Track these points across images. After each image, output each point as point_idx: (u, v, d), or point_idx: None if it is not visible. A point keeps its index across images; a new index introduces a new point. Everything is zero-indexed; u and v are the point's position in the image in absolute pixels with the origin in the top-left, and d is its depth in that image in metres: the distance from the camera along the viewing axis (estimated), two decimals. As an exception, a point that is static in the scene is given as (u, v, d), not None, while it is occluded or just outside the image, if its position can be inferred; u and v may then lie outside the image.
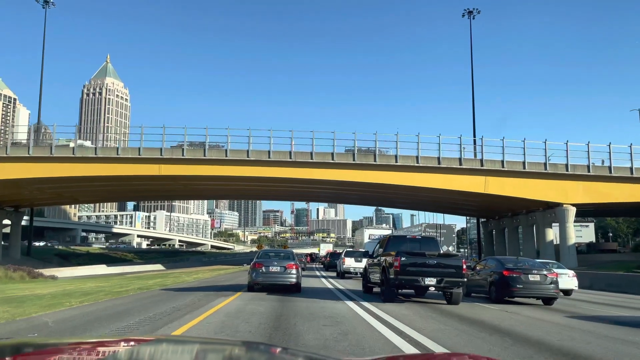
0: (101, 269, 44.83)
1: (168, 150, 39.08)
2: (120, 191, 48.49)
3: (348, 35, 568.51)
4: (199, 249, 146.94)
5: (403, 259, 13.97)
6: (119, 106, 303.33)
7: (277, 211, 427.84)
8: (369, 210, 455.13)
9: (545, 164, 39.27)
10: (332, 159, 39.09)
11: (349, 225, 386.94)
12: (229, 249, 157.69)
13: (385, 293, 14.52)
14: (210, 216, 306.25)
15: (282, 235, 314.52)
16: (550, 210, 41.59)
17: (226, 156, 38.86)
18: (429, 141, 40.35)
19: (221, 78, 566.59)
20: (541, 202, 40.88)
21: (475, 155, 40.19)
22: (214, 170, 39.49)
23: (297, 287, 17.24)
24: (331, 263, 42.20)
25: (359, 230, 61.35)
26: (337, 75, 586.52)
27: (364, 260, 22.60)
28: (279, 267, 17.17)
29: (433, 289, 14.29)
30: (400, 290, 15.33)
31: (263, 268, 17.05)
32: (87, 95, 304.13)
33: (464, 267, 14.42)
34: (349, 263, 30.66)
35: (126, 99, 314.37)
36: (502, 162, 39.25)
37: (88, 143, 43.76)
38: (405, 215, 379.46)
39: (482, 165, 39.20)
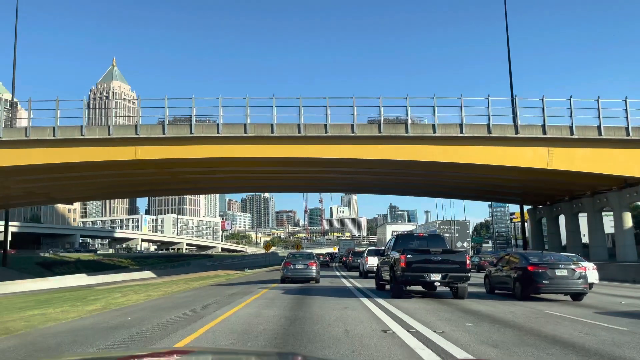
0: (75, 280, 37.19)
1: (145, 127, 31.02)
2: (96, 185, 40.59)
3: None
4: (209, 252, 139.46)
5: (409, 256, 14.63)
6: (126, 109, 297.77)
7: (290, 211, 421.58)
8: (382, 208, 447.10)
9: (627, 128, 30.50)
10: (352, 132, 30.76)
11: (364, 224, 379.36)
12: (240, 251, 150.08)
13: (393, 289, 15.25)
14: (222, 218, 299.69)
15: (296, 235, 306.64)
16: (631, 189, 32.87)
17: (218, 132, 30.73)
18: (475, 104, 32.01)
19: (228, 77, 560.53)
20: (619, 178, 32.18)
21: (514, 120, 31.27)
22: (203, 151, 31.36)
23: (317, 279, 22.54)
24: (353, 262, 35.57)
25: (382, 227, 53.23)
26: (350, 40, 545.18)
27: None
28: (303, 265, 22.58)
29: (438, 284, 14.91)
30: (408, 287, 15.79)
31: (291, 266, 22.62)
32: (94, 99, 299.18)
33: (468, 262, 14.88)
34: (372, 262, 26.90)
35: (133, 102, 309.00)
36: (571, 127, 30.57)
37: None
38: (420, 211, 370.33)
39: (544, 133, 30.58)
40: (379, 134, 30.75)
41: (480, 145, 31.00)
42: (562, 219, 44.56)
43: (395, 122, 31.20)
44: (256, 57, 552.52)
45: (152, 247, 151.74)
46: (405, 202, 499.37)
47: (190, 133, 30.71)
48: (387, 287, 17.22)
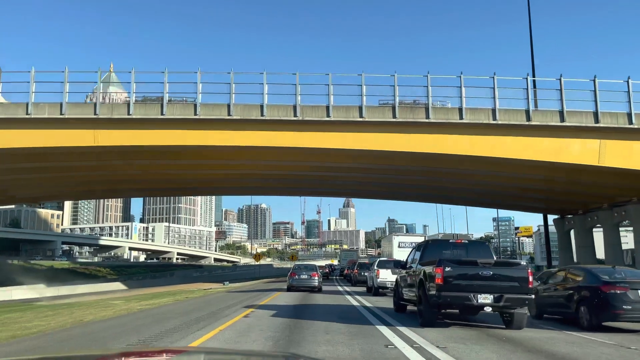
0: (25, 292, 31.12)
1: (106, 106, 25.30)
2: (58, 181, 34.52)
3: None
4: (200, 262, 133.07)
5: (447, 269, 10.78)
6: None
7: (288, 223, 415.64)
8: (381, 221, 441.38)
9: (699, 117, 24.87)
10: (360, 116, 25.06)
11: (362, 236, 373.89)
12: (233, 262, 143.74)
13: (424, 314, 11.34)
14: (218, 228, 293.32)
15: (293, 247, 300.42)
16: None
17: (195, 114, 25.00)
18: (511, 85, 26.41)
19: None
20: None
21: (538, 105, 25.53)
22: (177, 137, 25.61)
23: (319, 289, 24.85)
24: (360, 276, 30.76)
25: (387, 238, 47.61)
26: (358, 16, 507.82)
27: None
28: (306, 275, 25.06)
29: (489, 309, 10.82)
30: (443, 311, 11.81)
31: (296, 276, 25.16)
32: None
33: (530, 279, 10.85)
34: (385, 276, 23.09)
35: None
36: (629, 115, 24.91)
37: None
38: (418, 225, 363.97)
39: (596, 122, 24.90)
40: (393, 120, 25.05)
41: (516, 135, 25.33)
42: (593, 230, 38.85)
43: (414, 106, 25.52)
44: (258, 49, 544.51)
45: (142, 256, 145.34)
46: (403, 216, 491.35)
47: (162, 114, 24.96)
48: (410, 307, 13.84)
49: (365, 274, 27.88)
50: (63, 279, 50.27)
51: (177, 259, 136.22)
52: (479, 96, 25.41)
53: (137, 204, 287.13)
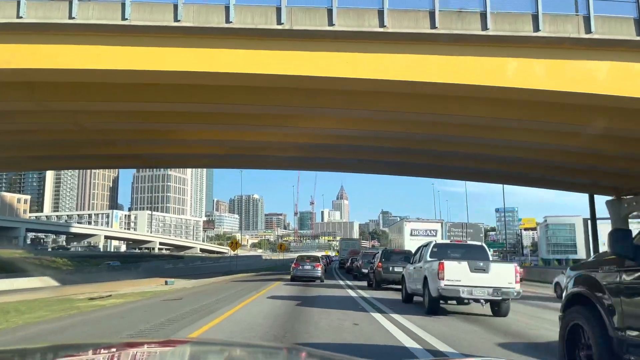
0: None
1: (-17, 4, 16.17)
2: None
3: None
4: (185, 253, 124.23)
5: None
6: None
7: (280, 214, 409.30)
8: (374, 214, 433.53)
9: None
10: (381, 25, 16.11)
11: (356, 228, 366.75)
12: (221, 252, 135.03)
13: None
14: (209, 218, 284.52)
15: (285, 238, 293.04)
16: None
17: (124, 18, 15.96)
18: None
19: None
20: None
21: None
22: (92, 54, 16.53)
23: (321, 279, 25.15)
24: (386, 272, 19.27)
25: (396, 225, 38.86)
26: None
27: (501, 268, 11.91)
28: (309, 266, 25.25)
29: None
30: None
31: (300, 266, 25.25)
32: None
33: None
34: (456, 275, 11.17)
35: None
36: None
37: None
38: (412, 218, 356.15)
39: None
40: (432, 31, 16.13)
41: (618, 59, 16.54)
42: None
43: (462, 13, 16.62)
44: None
45: (124, 246, 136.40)
46: (396, 208, 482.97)
47: (70, 17, 15.92)
48: None
49: (398, 269, 16.99)
50: (6, 270, 41.51)
51: (160, 249, 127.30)
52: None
53: (125, 193, 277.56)
